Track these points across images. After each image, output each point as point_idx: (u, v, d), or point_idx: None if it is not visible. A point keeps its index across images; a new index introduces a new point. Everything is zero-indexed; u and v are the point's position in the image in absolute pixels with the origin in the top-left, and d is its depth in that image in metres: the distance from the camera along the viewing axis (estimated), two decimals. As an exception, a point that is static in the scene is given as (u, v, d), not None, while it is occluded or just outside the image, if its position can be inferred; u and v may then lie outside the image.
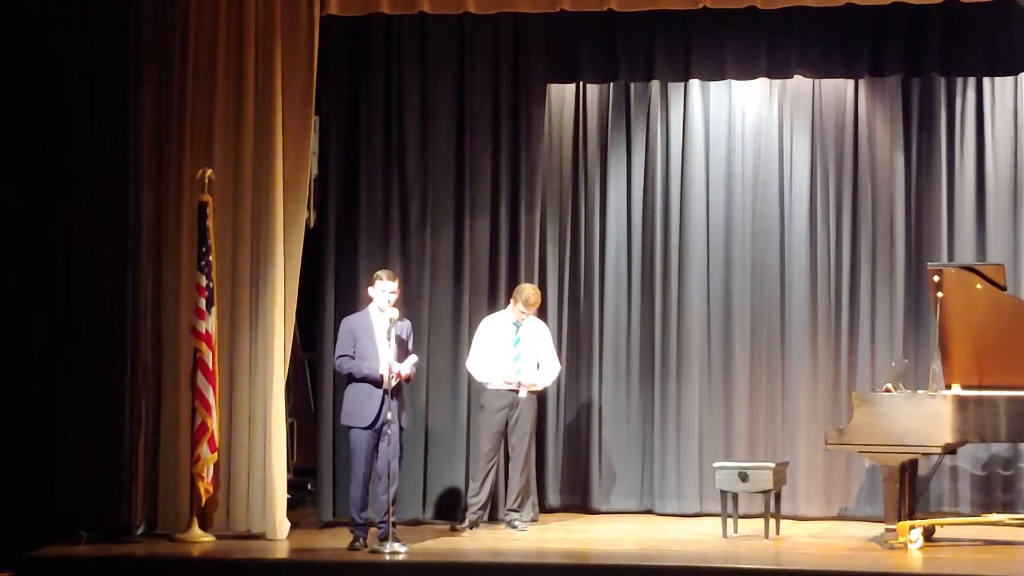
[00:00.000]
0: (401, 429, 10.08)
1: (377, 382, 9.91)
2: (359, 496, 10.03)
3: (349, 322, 10.27)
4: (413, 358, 10.10)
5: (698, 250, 11.98)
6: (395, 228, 11.63)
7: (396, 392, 9.97)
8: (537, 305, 11.14)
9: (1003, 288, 10.30)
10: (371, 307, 10.20)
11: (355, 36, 11.59)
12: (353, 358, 10.05)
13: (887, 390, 10.20)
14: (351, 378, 10.09)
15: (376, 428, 9.93)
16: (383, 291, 10.10)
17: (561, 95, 12.23)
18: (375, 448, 9.97)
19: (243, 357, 10.64)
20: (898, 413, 10.06)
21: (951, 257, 11.59)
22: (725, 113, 12.07)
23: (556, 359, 11.35)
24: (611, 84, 12.14)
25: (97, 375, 10.48)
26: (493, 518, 11.27)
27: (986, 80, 11.71)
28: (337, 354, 10.18)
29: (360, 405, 10.02)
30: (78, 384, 10.47)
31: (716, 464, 10.77)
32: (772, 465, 10.52)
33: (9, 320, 10.47)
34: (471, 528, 10.99)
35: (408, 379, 10.14)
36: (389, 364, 9.90)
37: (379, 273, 10.25)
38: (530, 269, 11.79)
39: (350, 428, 10.09)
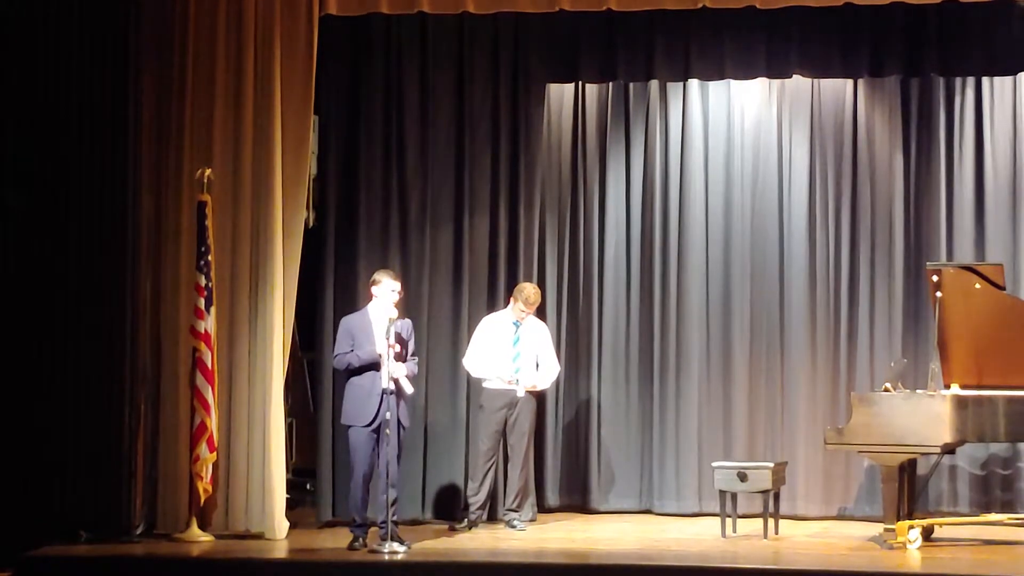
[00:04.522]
0: (403, 428, 10.08)
1: (377, 366, 9.89)
2: (360, 496, 10.03)
3: (347, 321, 10.27)
4: (411, 365, 10.09)
5: (697, 249, 11.98)
6: (395, 228, 11.63)
7: (396, 392, 9.97)
8: (537, 304, 11.15)
9: (1002, 288, 10.30)
10: (370, 306, 10.20)
11: (355, 36, 11.59)
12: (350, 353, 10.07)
13: (886, 390, 10.21)
14: (350, 374, 10.09)
15: (376, 427, 9.94)
16: (391, 291, 10.10)
17: (560, 95, 12.23)
18: (375, 447, 9.98)
19: (242, 357, 10.64)
20: (897, 413, 10.07)
21: (950, 257, 11.59)
22: (724, 113, 12.07)
23: (555, 359, 11.35)
24: (610, 84, 12.14)
25: (96, 375, 10.48)
26: (492, 518, 11.26)
27: (985, 80, 11.72)
28: (335, 353, 10.20)
29: (360, 404, 10.02)
30: (77, 384, 10.47)
31: (715, 464, 10.76)
32: (771, 465, 10.52)
33: (8, 319, 10.46)
34: (470, 528, 10.99)
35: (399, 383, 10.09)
36: (389, 368, 9.89)
37: (383, 272, 10.26)
38: (529, 268, 11.79)
39: (349, 427, 10.10)
